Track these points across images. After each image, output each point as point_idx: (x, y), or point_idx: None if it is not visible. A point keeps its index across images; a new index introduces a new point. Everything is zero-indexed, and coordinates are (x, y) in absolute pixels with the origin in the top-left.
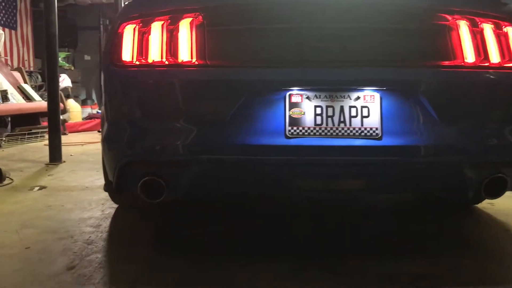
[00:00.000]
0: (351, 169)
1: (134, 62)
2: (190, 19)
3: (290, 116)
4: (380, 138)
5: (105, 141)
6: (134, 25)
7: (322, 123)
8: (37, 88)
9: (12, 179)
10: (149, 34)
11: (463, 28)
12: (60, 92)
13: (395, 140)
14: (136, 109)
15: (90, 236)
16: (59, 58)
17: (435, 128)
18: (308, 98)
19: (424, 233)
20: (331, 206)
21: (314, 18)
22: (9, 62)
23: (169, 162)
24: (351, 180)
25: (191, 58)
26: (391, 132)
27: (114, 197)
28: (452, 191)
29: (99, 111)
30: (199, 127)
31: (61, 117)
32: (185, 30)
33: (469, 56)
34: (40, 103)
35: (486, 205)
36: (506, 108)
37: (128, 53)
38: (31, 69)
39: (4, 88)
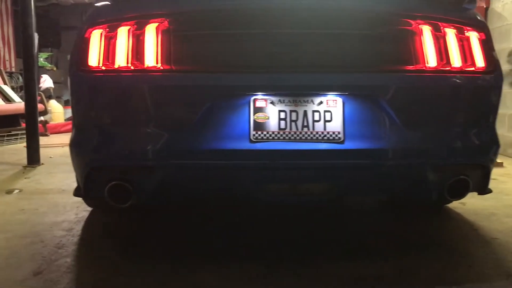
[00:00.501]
0: (315, 172)
1: (100, 67)
2: (156, 24)
3: (254, 121)
4: (342, 142)
5: (72, 146)
6: (101, 30)
7: (286, 128)
8: (18, 89)
9: None
10: (116, 39)
11: (426, 33)
12: (41, 93)
13: (357, 143)
14: (102, 114)
15: (61, 240)
16: (41, 59)
17: (397, 131)
18: (272, 103)
19: (393, 233)
20: (301, 208)
21: (278, 24)
22: None
23: (135, 167)
24: (316, 183)
25: (157, 63)
26: (353, 136)
27: (87, 200)
28: (415, 193)
29: None
30: (164, 132)
31: (43, 118)
32: (151, 35)
33: (431, 60)
34: (19, 104)
35: (457, 205)
36: (468, 112)
37: (94, 58)
38: (13, 69)
39: None
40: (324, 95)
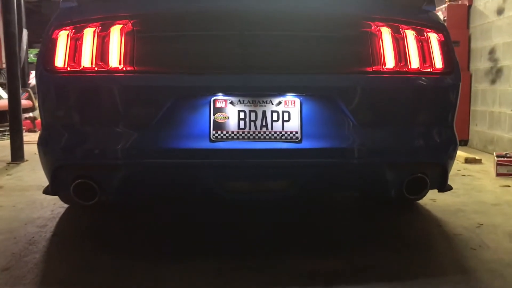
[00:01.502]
0: (273, 171)
1: (66, 67)
2: (121, 25)
3: (214, 121)
4: (300, 141)
5: (40, 145)
6: (67, 31)
7: (245, 127)
8: (6, 86)
9: None
10: (82, 40)
11: (385, 35)
12: (29, 90)
13: (314, 143)
14: (68, 114)
15: (33, 237)
16: (31, 55)
17: (354, 131)
18: (232, 103)
19: (357, 229)
20: (268, 204)
21: (237, 26)
22: None
23: (99, 165)
24: (274, 181)
25: (120, 64)
26: (311, 136)
27: (62, 197)
28: (373, 191)
29: None
30: (127, 131)
31: (31, 114)
32: (115, 36)
33: (389, 62)
34: (6, 101)
35: (427, 201)
36: (425, 111)
37: (60, 59)
38: (3, 64)
39: None
40: (283, 95)
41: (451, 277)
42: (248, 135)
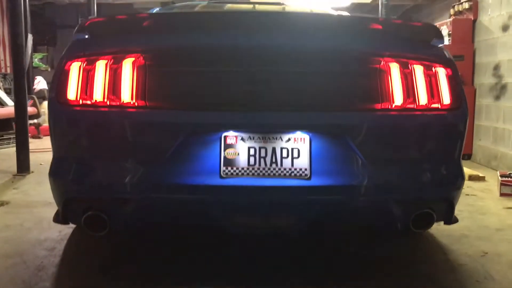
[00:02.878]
0: (282, 207)
1: (78, 100)
2: (133, 59)
3: (224, 157)
4: (309, 178)
5: (51, 175)
6: (80, 63)
7: (255, 164)
8: (11, 90)
9: None
10: (94, 72)
11: (394, 71)
12: (33, 96)
13: (323, 180)
14: (80, 147)
15: (42, 262)
16: (36, 59)
17: (362, 169)
18: (242, 139)
19: (363, 256)
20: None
21: (249, 63)
22: None
23: (110, 199)
24: (283, 217)
25: (132, 99)
26: (320, 173)
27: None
28: (380, 226)
29: None
30: (139, 166)
31: (36, 121)
32: (127, 70)
33: (397, 98)
34: (12, 108)
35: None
36: (432, 148)
37: (73, 91)
38: (8, 68)
39: None
40: (292, 132)
41: None
42: (258, 171)
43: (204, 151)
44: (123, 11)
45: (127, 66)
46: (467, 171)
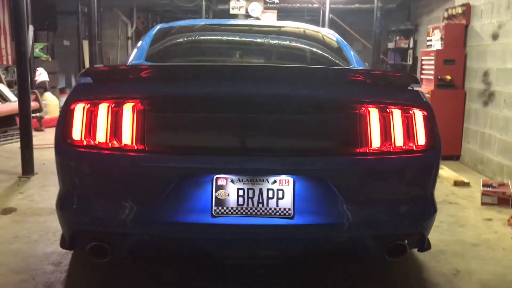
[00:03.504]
0: (268, 243)
1: (82, 141)
2: (133, 104)
3: (216, 197)
4: (292, 218)
5: (58, 208)
6: (84, 105)
7: (243, 204)
8: (14, 83)
9: None
10: (97, 114)
11: (373, 116)
12: (35, 91)
13: (305, 219)
14: (84, 185)
15: (50, 278)
16: (37, 49)
17: (341, 208)
18: (232, 181)
19: (342, 275)
20: None
21: (238, 111)
22: None
23: (112, 232)
24: (269, 251)
25: (132, 142)
26: (302, 212)
27: None
28: (358, 254)
29: None
30: (137, 204)
31: (38, 114)
32: (127, 114)
33: (375, 142)
34: (15, 104)
35: None
36: (406, 187)
37: (77, 131)
38: (9, 57)
39: None
40: (278, 175)
41: None
42: (246, 211)
43: (197, 192)
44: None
45: (127, 111)
46: (453, 176)
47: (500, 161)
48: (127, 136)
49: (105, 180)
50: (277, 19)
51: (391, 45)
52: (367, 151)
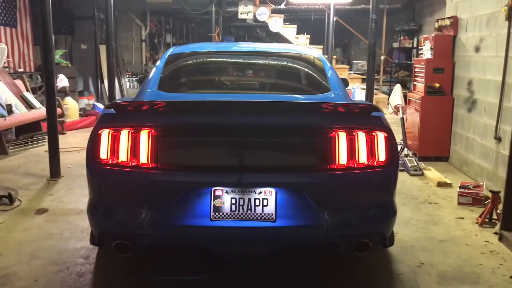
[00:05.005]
0: (255, 241)
1: (108, 160)
2: (148, 130)
3: (213, 205)
4: (274, 221)
5: (88, 213)
6: (108, 130)
7: (235, 210)
8: (37, 89)
9: (20, 200)
10: (119, 139)
11: (342, 139)
12: (58, 98)
13: (285, 222)
14: (109, 195)
15: (81, 269)
16: (57, 56)
17: (314, 213)
18: (227, 192)
19: (319, 269)
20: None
21: (231, 137)
22: (11, 64)
23: (133, 233)
24: (256, 248)
25: (147, 161)
26: (283, 217)
27: None
28: (329, 251)
29: (95, 103)
30: (151, 210)
31: (60, 119)
32: (144, 139)
33: (342, 160)
34: (40, 111)
35: None
36: (369, 196)
37: (104, 152)
38: (31, 63)
39: (9, 102)
40: (263, 187)
41: None
42: (238, 215)
43: (199, 200)
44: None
45: (144, 136)
46: (437, 177)
47: (480, 164)
48: (144, 156)
49: (126, 191)
50: (284, 21)
51: (395, 44)
52: (336, 167)
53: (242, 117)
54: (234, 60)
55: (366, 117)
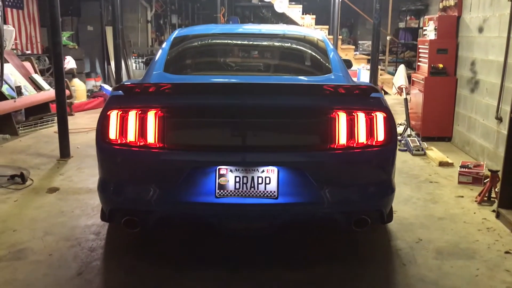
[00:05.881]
0: (258, 217)
1: (117, 140)
2: (155, 111)
3: (218, 183)
4: (276, 198)
5: (99, 190)
6: (117, 111)
7: (239, 188)
8: (45, 71)
9: (32, 180)
10: (127, 119)
11: (342, 119)
12: (66, 80)
13: (287, 199)
14: (118, 173)
15: (92, 244)
16: (64, 38)
17: (314, 191)
18: (231, 171)
19: (324, 246)
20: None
21: (236, 118)
22: (18, 46)
23: (141, 210)
24: (259, 224)
25: (155, 141)
26: (284, 194)
27: None
28: (329, 226)
29: (102, 85)
30: (159, 189)
31: (68, 101)
32: (151, 119)
33: (342, 139)
34: (49, 92)
35: None
36: (368, 174)
37: (113, 133)
38: (38, 44)
39: (18, 84)
40: (266, 166)
41: None
42: (242, 193)
43: (204, 179)
44: None
45: (151, 117)
46: (439, 157)
47: (482, 143)
48: (151, 136)
49: (134, 170)
50: (290, 1)
51: (401, 24)
52: (335, 146)
53: (246, 98)
54: (238, 42)
55: (366, 98)
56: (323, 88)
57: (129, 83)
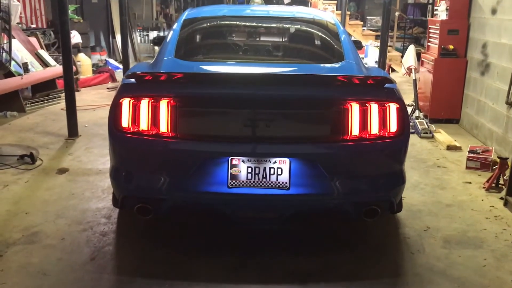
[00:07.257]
0: (270, 208)
1: (129, 128)
2: (167, 100)
3: (231, 173)
4: (288, 189)
5: (112, 178)
6: (129, 99)
7: (252, 178)
8: (51, 46)
9: (41, 160)
10: (139, 108)
11: (354, 110)
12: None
13: (298, 190)
14: (130, 162)
15: (104, 228)
16: (69, 11)
17: (326, 182)
18: (243, 161)
19: (332, 233)
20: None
21: (248, 108)
22: (23, 20)
23: (154, 198)
24: (270, 214)
25: (167, 130)
26: (296, 185)
27: None
28: (340, 216)
29: (108, 59)
30: (172, 178)
31: (74, 77)
32: (164, 108)
33: (355, 131)
34: (56, 68)
35: None
36: (379, 165)
37: (125, 121)
38: (43, 17)
39: (25, 60)
40: (278, 157)
41: (385, 279)
42: (254, 183)
43: (217, 169)
44: None
45: (163, 106)
46: (447, 140)
47: (490, 128)
48: (164, 125)
49: (147, 159)
50: None
51: (410, 0)
52: (348, 138)
53: (259, 89)
54: (248, 25)
55: (380, 89)
56: (337, 79)
57: (141, 71)
